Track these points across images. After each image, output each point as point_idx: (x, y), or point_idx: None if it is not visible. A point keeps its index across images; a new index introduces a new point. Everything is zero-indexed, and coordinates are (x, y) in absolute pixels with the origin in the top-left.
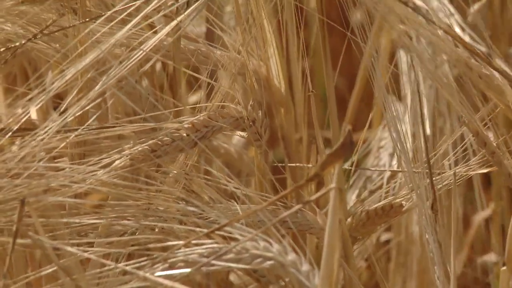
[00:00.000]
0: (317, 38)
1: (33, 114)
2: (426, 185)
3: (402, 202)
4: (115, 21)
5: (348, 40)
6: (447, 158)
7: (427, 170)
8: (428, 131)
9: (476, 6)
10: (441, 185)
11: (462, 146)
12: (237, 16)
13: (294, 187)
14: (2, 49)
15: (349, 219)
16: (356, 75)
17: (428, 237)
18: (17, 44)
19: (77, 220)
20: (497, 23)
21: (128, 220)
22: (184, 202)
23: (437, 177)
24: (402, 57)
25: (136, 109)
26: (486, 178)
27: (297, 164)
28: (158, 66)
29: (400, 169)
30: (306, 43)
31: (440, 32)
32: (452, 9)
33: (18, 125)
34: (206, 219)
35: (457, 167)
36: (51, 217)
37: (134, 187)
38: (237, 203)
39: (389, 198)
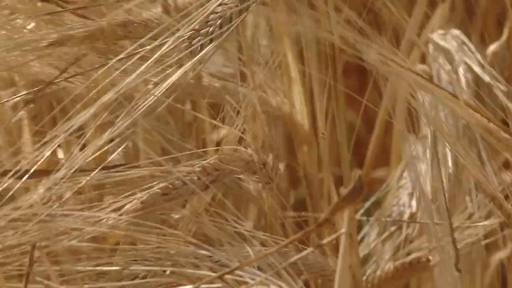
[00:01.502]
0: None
1: (60, 154)
2: (447, 242)
3: (429, 257)
4: (135, 58)
5: (368, 82)
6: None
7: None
8: (449, 170)
9: (492, 47)
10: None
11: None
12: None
13: (304, 232)
14: (32, 90)
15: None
16: (375, 117)
17: None
18: (46, 84)
19: (88, 267)
20: None
21: (139, 263)
22: (195, 246)
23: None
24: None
25: (149, 152)
26: None
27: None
28: (188, 106)
29: (419, 220)
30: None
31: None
32: (473, 48)
33: (35, 166)
34: (217, 261)
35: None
36: (63, 262)
37: (145, 231)
38: (248, 246)
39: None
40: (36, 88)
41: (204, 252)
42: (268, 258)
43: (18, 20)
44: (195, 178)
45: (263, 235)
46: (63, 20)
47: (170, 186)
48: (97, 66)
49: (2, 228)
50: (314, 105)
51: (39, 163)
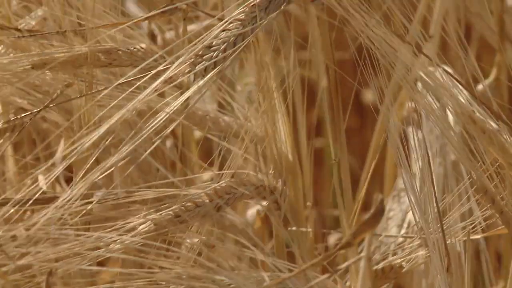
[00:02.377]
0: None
1: (44, 186)
2: (440, 245)
3: (402, 263)
4: (128, 91)
5: (360, 120)
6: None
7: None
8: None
9: (481, 85)
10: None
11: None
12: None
13: (326, 255)
14: (12, 118)
15: None
16: (367, 153)
17: None
18: (28, 113)
19: None
20: (506, 101)
21: (152, 286)
22: (207, 269)
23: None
24: (412, 134)
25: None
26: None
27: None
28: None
29: (410, 235)
30: (314, 120)
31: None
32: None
33: (33, 197)
34: (230, 285)
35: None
36: (76, 285)
37: (156, 253)
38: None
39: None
40: (15, 118)
41: (217, 276)
42: (286, 283)
43: None
44: (207, 200)
45: (274, 260)
46: (43, 45)
47: (182, 208)
48: (84, 94)
49: (14, 248)
50: (299, 136)
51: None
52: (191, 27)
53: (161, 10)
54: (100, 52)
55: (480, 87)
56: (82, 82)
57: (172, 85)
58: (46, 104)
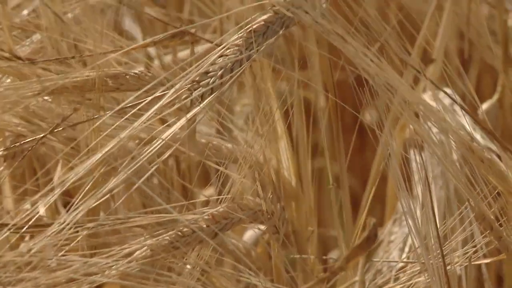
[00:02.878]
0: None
1: (42, 211)
2: (440, 271)
3: None
4: (127, 115)
5: (361, 140)
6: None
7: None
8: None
9: (485, 105)
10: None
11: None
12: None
13: (318, 280)
14: (11, 145)
15: None
16: (368, 175)
17: None
18: (27, 140)
19: None
20: (509, 123)
21: None
22: None
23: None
24: (414, 157)
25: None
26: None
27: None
28: (170, 161)
29: (411, 260)
30: (316, 140)
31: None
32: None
33: (30, 222)
34: None
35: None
36: None
37: (152, 279)
38: None
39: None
40: (15, 144)
41: None
42: None
43: None
44: (204, 226)
45: (273, 285)
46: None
47: (179, 233)
48: (85, 120)
49: (9, 275)
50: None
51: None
52: (184, 53)
53: (168, 34)
54: (108, 77)
55: (482, 109)
56: (84, 108)
57: (168, 111)
58: (49, 131)
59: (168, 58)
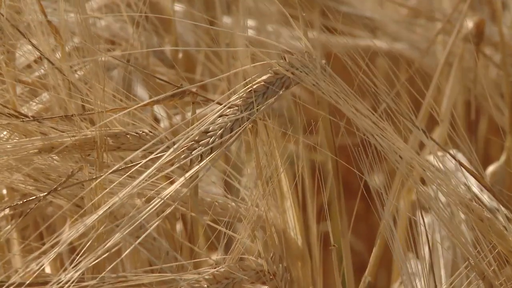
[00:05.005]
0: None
1: (47, 267)
2: None
3: None
4: (127, 173)
5: (368, 203)
6: None
7: None
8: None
9: (491, 168)
10: None
11: None
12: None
13: None
14: (18, 203)
15: None
16: (375, 238)
17: None
18: (33, 198)
19: None
20: None
21: None
22: None
23: None
24: (421, 219)
25: (153, 261)
26: None
27: None
28: (179, 226)
29: None
30: (322, 202)
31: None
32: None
33: (31, 278)
34: None
35: None
36: None
37: None
38: None
39: None
40: (21, 202)
41: None
42: None
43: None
44: (205, 286)
45: None
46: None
47: None
48: (87, 179)
49: None
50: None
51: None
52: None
53: (170, 93)
54: (109, 136)
55: (491, 168)
56: (88, 165)
57: (168, 171)
58: (52, 189)
59: (177, 119)
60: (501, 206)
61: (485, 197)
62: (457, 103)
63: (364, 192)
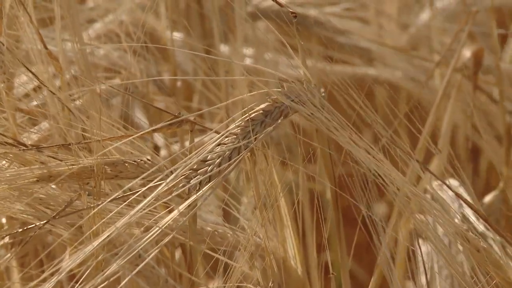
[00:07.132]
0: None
1: None
2: None
3: None
4: (127, 201)
5: (368, 231)
6: None
7: None
8: None
9: (488, 197)
10: None
11: None
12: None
13: None
14: (18, 231)
15: None
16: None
17: None
18: (33, 226)
19: None
20: None
21: None
22: None
23: None
24: (419, 247)
25: None
26: None
27: None
28: (178, 254)
29: None
30: (323, 231)
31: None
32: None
33: None
34: None
35: None
36: None
37: None
38: None
39: None
40: (21, 230)
41: None
42: None
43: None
44: None
45: None
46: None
47: None
48: (85, 208)
49: None
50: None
51: None
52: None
53: (168, 122)
54: (107, 164)
55: (488, 198)
56: (86, 194)
57: (166, 199)
58: (51, 217)
59: (175, 148)
60: (497, 236)
61: (481, 226)
62: (458, 133)
63: (366, 218)
